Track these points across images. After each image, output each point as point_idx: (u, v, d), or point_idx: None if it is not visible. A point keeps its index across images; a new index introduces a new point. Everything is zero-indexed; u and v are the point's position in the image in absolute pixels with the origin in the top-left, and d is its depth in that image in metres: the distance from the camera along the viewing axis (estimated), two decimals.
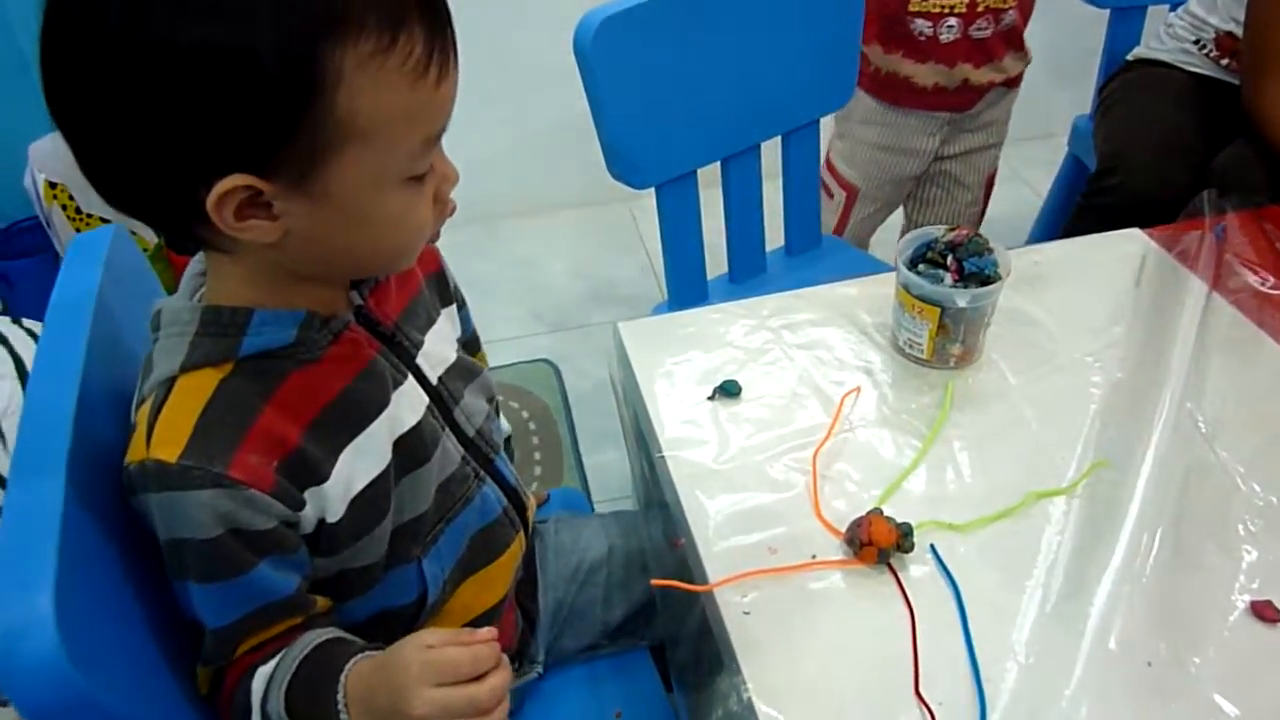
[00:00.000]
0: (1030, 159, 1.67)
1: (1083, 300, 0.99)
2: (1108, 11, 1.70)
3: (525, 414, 1.87)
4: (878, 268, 1.41)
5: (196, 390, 0.59)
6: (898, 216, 1.78)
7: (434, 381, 0.73)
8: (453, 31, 0.57)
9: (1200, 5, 1.54)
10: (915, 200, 1.72)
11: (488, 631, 0.59)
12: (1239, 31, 1.43)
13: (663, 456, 0.84)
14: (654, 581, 0.75)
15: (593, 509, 1.20)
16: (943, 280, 0.87)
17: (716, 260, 1.40)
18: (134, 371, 0.64)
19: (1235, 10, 1.44)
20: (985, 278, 0.87)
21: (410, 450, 0.69)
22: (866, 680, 0.67)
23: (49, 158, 1.84)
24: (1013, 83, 1.56)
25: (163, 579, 0.61)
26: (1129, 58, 1.66)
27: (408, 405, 0.69)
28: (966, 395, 0.89)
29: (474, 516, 0.76)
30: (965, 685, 0.66)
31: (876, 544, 0.73)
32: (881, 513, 0.75)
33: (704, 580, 0.73)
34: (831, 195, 1.69)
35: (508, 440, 0.89)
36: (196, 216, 0.54)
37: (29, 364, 1.01)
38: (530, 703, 0.89)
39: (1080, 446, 0.83)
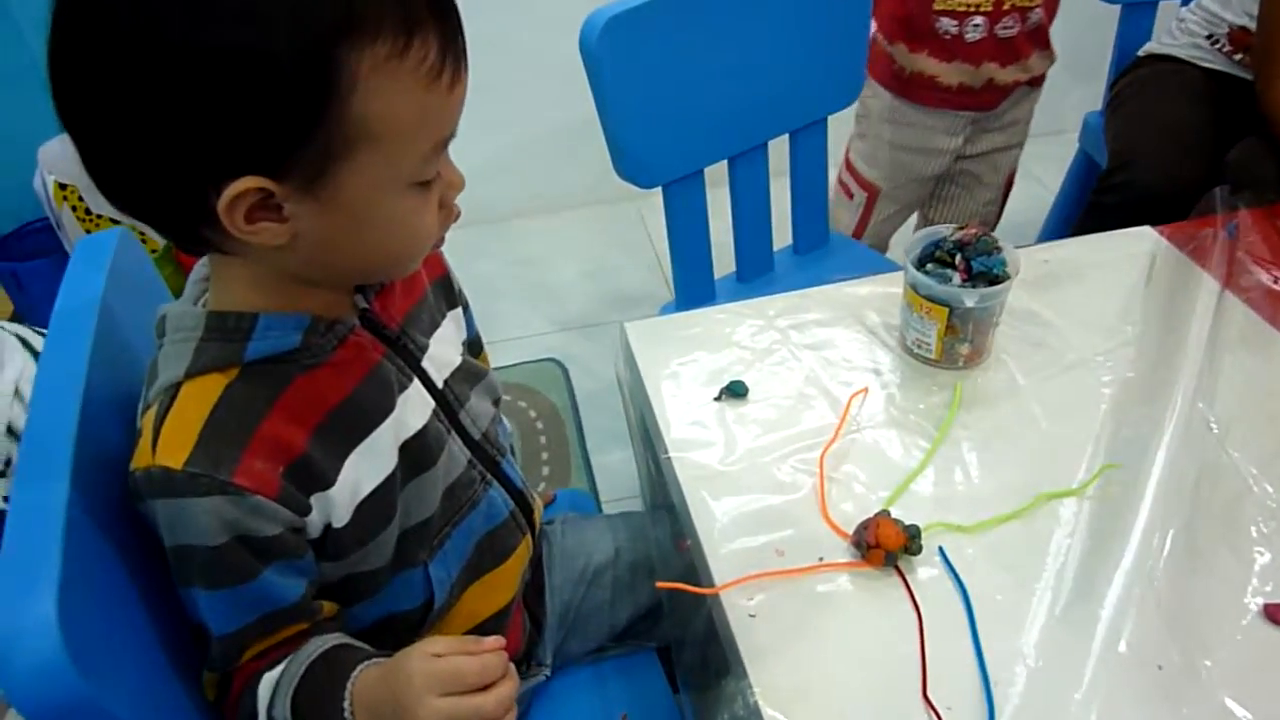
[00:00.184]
0: (1041, 155, 1.66)
1: (1093, 299, 0.99)
2: (1119, 7, 1.68)
3: (533, 413, 1.87)
4: (886, 267, 1.40)
5: (201, 396, 0.59)
6: (915, 216, 1.77)
7: (440, 385, 0.73)
8: (463, 37, 0.57)
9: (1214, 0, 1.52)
10: (934, 198, 1.71)
11: (494, 640, 0.59)
12: (1252, 26, 1.41)
13: (669, 457, 0.83)
14: (660, 584, 0.75)
15: (600, 509, 1.20)
16: (951, 280, 0.87)
17: (724, 259, 1.40)
18: (139, 375, 0.64)
19: (1249, 4, 1.43)
20: (994, 277, 0.86)
21: (416, 454, 0.68)
22: (874, 684, 0.66)
23: (59, 159, 1.85)
24: (1036, 82, 1.55)
25: (168, 583, 0.61)
26: (1140, 53, 1.64)
27: (413, 409, 0.69)
28: (975, 395, 0.88)
29: (480, 520, 0.76)
30: (974, 689, 0.65)
31: (884, 546, 0.72)
32: (889, 514, 0.75)
33: (710, 582, 0.73)
34: (852, 196, 1.67)
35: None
36: (204, 219, 0.54)
37: None
38: (537, 704, 0.89)
39: (1090, 447, 0.82)
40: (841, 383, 0.90)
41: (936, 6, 1.41)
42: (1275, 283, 0.98)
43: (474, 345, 0.85)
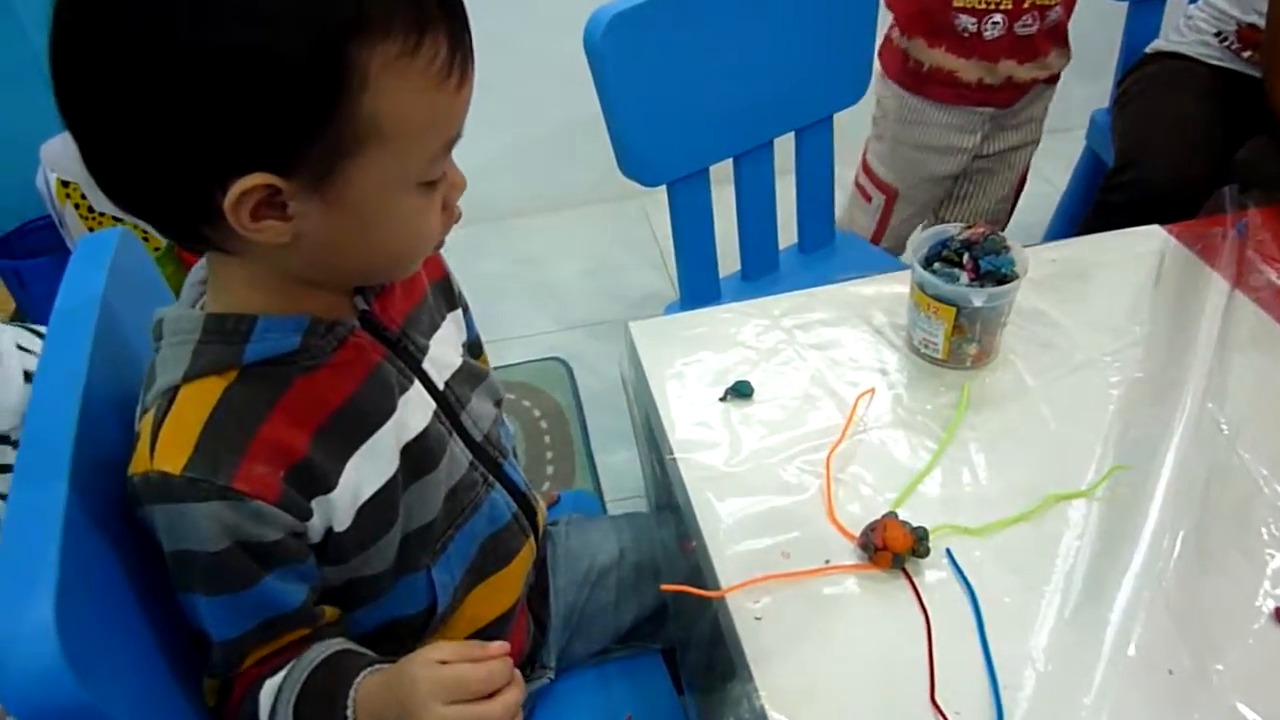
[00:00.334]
0: (1047, 153, 1.66)
1: (1101, 299, 0.98)
2: (1126, 4, 1.67)
3: (537, 413, 1.86)
4: (892, 266, 1.40)
5: (200, 400, 0.59)
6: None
7: (440, 386, 0.72)
8: (471, 37, 0.56)
9: None
10: (949, 197, 1.70)
11: (499, 646, 0.58)
12: (1261, 23, 1.40)
13: (674, 458, 0.83)
14: (664, 586, 0.74)
15: (605, 509, 1.20)
16: (958, 279, 0.86)
17: (729, 258, 1.39)
18: (139, 376, 0.64)
19: (1258, 1, 1.42)
20: (1002, 276, 0.85)
21: (418, 456, 0.68)
22: (881, 688, 0.65)
23: (61, 157, 1.84)
24: (1053, 80, 1.54)
25: (167, 588, 0.60)
26: (1148, 50, 1.63)
27: (414, 411, 0.68)
28: (983, 396, 0.88)
29: (483, 523, 0.75)
30: (982, 693, 0.64)
31: (891, 548, 0.71)
32: (896, 516, 0.74)
33: (716, 584, 0.73)
34: (870, 198, 1.65)
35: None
36: (207, 217, 0.53)
37: None
38: (541, 707, 0.88)
39: (1099, 448, 0.81)
40: (848, 383, 0.90)
41: (956, 4, 1.40)
42: None
43: (474, 347, 0.84)
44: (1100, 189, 1.50)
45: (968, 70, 1.45)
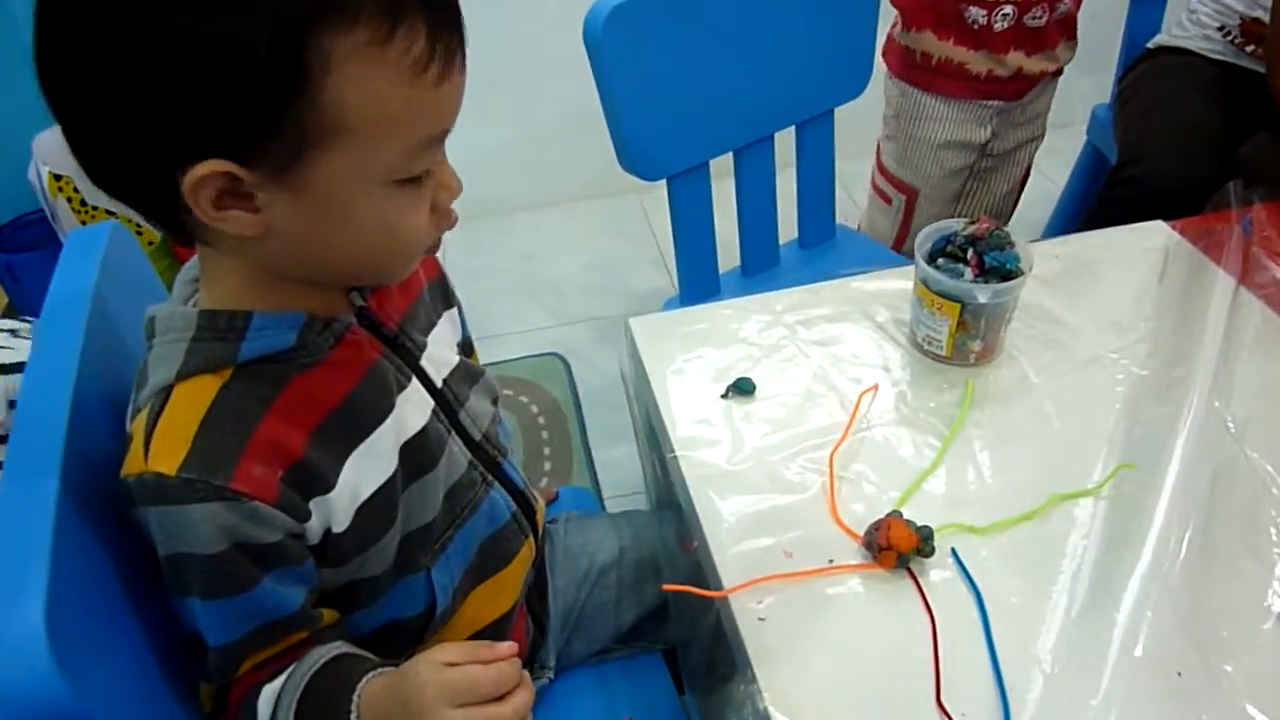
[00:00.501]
0: (1047, 148, 1.65)
1: (1105, 295, 0.97)
2: None
3: (535, 408, 1.85)
4: (892, 261, 1.39)
5: (195, 398, 0.57)
6: None
7: (439, 384, 0.71)
8: (462, 31, 0.54)
9: None
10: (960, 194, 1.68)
11: (508, 647, 0.57)
12: (1265, 17, 1.39)
13: (675, 456, 0.82)
14: (665, 587, 0.73)
15: (603, 506, 1.19)
16: (963, 275, 0.85)
17: (728, 252, 1.38)
18: (132, 374, 0.63)
19: None
20: (1007, 272, 0.84)
21: (417, 455, 0.67)
22: (886, 689, 0.65)
23: (53, 150, 1.83)
24: (1059, 73, 1.53)
25: (161, 591, 0.59)
26: (1150, 45, 1.62)
27: (413, 409, 0.67)
28: (986, 393, 0.87)
29: (483, 523, 0.74)
30: (988, 695, 0.64)
31: (896, 548, 0.70)
32: (901, 515, 0.73)
33: (718, 584, 0.72)
34: (890, 200, 1.63)
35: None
36: (174, 203, 0.52)
37: None
38: (540, 708, 0.87)
39: (1105, 447, 0.81)
40: (851, 379, 0.89)
41: None
42: None
43: (465, 347, 0.83)
44: (1103, 185, 1.49)
45: (977, 62, 1.43)
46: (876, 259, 1.42)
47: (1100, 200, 1.48)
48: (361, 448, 0.63)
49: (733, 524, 0.76)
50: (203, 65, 0.47)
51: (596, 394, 1.88)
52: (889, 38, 1.52)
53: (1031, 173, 1.69)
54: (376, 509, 0.64)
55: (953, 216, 1.66)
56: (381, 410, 0.65)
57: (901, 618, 0.69)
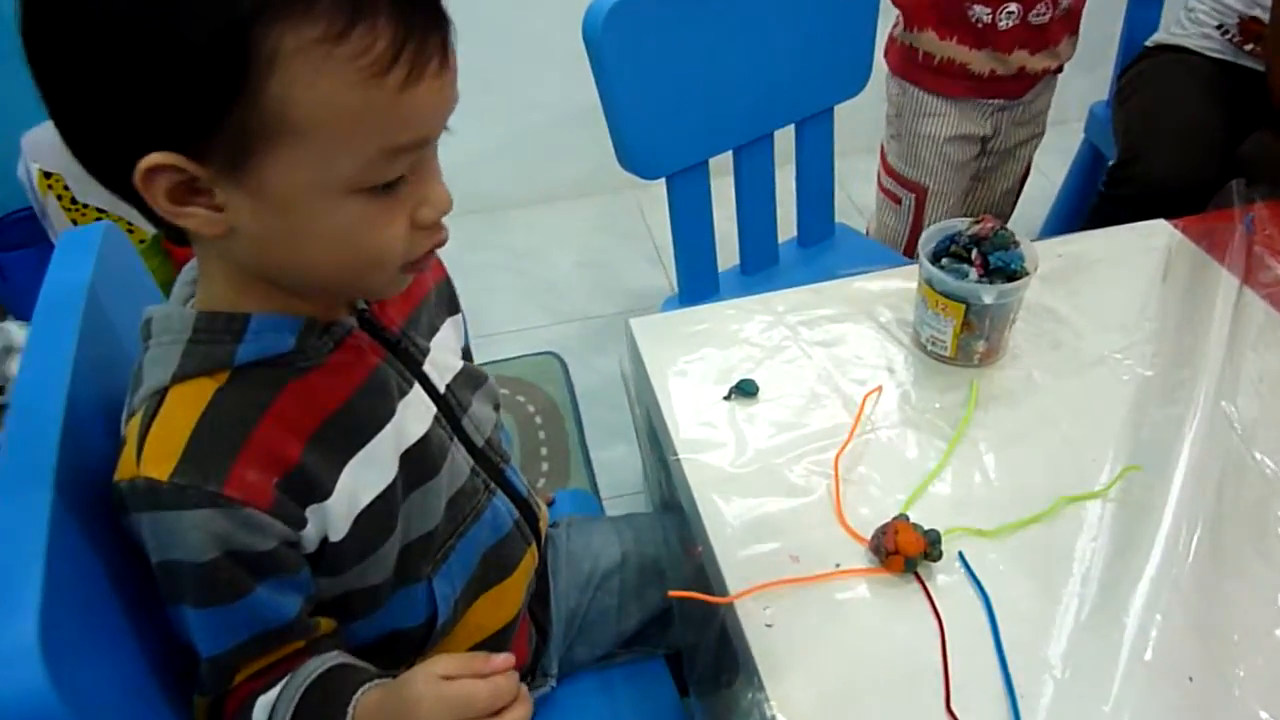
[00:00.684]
0: (1045, 146, 1.64)
1: (1108, 295, 0.96)
2: None
3: (531, 408, 1.84)
4: (892, 260, 1.38)
5: (190, 402, 0.56)
6: None
7: (441, 390, 0.69)
8: (445, 32, 0.51)
9: None
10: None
11: (505, 659, 0.56)
12: (1264, 15, 1.39)
13: (678, 459, 0.81)
14: (671, 593, 0.72)
15: (601, 507, 1.17)
16: (967, 275, 0.84)
17: (727, 251, 1.37)
18: (126, 376, 0.61)
19: None
20: (1011, 272, 0.83)
21: (418, 463, 0.65)
22: (895, 696, 0.64)
23: (43, 147, 1.81)
24: (1059, 70, 1.52)
25: (157, 601, 0.58)
26: (1148, 43, 1.62)
27: (414, 415, 0.66)
28: (991, 394, 0.86)
29: (485, 531, 0.73)
30: (998, 701, 0.63)
31: (903, 552, 0.70)
32: (908, 519, 0.72)
33: (723, 589, 0.71)
34: (899, 201, 1.61)
35: None
36: (135, 193, 0.51)
37: None
38: (543, 715, 0.86)
39: (1111, 448, 0.80)
40: (854, 381, 0.88)
41: None
42: None
43: (464, 354, 0.82)
44: (1103, 184, 1.49)
45: (979, 62, 1.42)
46: (876, 258, 1.42)
47: (1101, 199, 1.48)
48: (360, 454, 0.62)
49: (737, 528, 0.75)
50: (141, 53, 0.46)
51: (593, 393, 1.87)
52: (890, 38, 1.51)
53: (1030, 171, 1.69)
54: (376, 517, 0.63)
55: (961, 214, 1.66)
56: (381, 416, 0.63)
57: (909, 623, 0.68)
